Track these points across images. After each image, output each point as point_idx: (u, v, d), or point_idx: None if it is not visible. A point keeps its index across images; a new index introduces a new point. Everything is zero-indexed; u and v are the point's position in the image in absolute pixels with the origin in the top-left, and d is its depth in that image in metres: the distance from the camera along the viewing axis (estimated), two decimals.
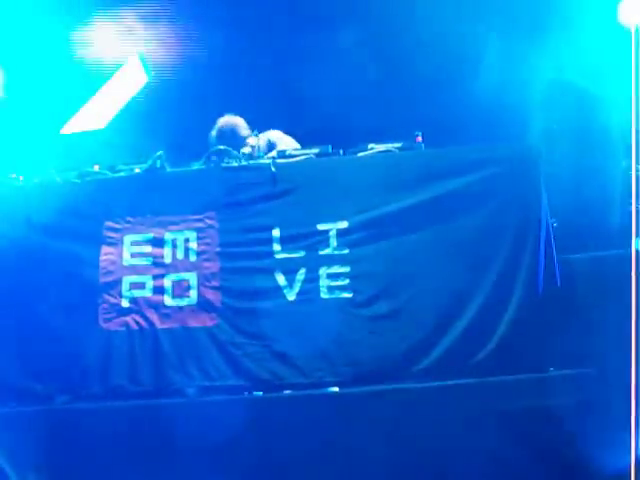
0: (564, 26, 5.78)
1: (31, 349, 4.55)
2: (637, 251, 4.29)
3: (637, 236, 4.50)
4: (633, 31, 4.72)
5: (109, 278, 4.58)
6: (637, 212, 4.50)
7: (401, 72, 6.46)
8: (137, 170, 4.73)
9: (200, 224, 4.56)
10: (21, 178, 4.88)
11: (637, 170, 4.58)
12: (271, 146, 5.21)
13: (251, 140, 5.18)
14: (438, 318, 4.37)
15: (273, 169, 4.55)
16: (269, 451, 4.34)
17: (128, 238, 4.61)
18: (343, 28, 6.46)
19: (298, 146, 5.09)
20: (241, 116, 5.27)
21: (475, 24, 6.33)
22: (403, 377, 4.34)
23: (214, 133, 5.17)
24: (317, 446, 4.26)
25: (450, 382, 4.28)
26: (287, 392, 4.43)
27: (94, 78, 6.97)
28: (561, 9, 5.90)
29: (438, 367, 4.31)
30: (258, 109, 5.65)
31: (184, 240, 4.56)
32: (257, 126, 5.26)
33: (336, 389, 4.37)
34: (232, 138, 5.07)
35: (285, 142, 5.26)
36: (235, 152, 4.79)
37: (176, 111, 6.71)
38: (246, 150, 5.03)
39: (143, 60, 6.84)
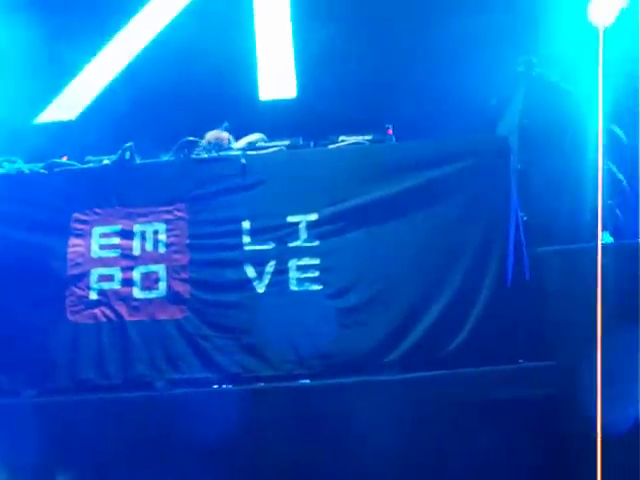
0: (538, 22, 5.83)
1: None
2: (604, 245, 4.32)
3: (604, 230, 4.53)
4: (601, 31, 4.77)
5: (77, 270, 4.53)
6: (604, 207, 4.54)
7: (375, 65, 6.47)
8: (106, 161, 4.68)
9: (169, 216, 4.54)
10: None
11: (604, 165, 4.61)
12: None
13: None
14: (408, 310, 4.38)
15: (243, 161, 4.54)
16: (238, 445, 4.31)
17: (96, 230, 4.57)
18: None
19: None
20: None
21: (449, 16, 6.37)
22: (373, 369, 4.35)
23: (202, 145, 5.13)
24: (286, 439, 4.25)
25: (420, 374, 4.29)
26: (258, 384, 4.40)
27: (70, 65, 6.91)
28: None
29: (408, 359, 4.33)
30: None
31: (153, 232, 4.53)
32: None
33: (307, 381, 4.35)
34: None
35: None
36: (204, 143, 4.77)
37: (147, 102, 6.66)
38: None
39: None
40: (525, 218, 4.67)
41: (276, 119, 6.12)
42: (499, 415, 4.19)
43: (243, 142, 5.12)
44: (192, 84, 6.41)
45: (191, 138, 4.76)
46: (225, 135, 5.16)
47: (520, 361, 4.31)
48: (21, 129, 6.55)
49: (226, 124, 5.10)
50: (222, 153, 4.69)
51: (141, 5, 7.05)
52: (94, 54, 7.01)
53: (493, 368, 4.28)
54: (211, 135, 5.13)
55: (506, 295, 4.39)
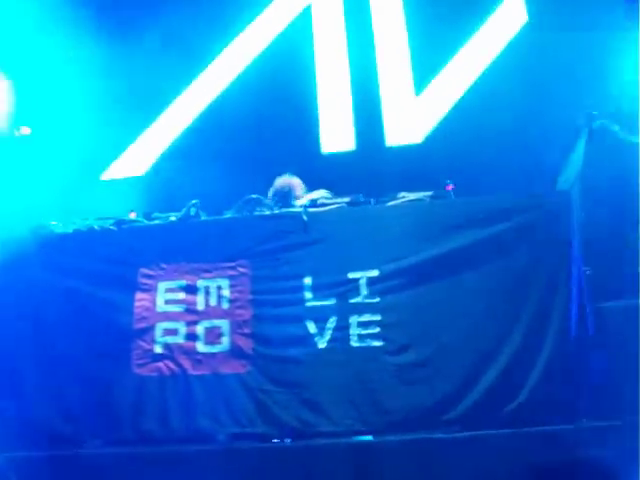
0: (598, 75, 5.84)
1: (65, 393, 4.60)
2: None
3: None
4: None
5: (143, 324, 4.64)
6: None
7: None
8: (172, 218, 4.82)
9: (232, 272, 4.63)
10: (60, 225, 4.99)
11: None
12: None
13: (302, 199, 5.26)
14: (469, 367, 4.36)
15: (305, 218, 4.61)
16: None
17: (162, 285, 4.68)
18: None
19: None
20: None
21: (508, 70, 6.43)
22: (433, 426, 4.31)
23: (271, 192, 5.29)
24: None
25: (480, 432, 4.24)
26: (317, 440, 4.41)
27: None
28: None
29: (468, 417, 4.30)
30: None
31: (217, 287, 4.62)
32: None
33: (369, 437, 4.34)
34: (288, 197, 5.19)
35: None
36: (267, 200, 4.89)
37: (211, 159, 6.84)
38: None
39: None
40: (588, 272, 4.63)
41: (337, 173, 6.23)
42: (562, 476, 4.11)
43: (307, 198, 5.23)
44: (257, 139, 6.56)
45: (254, 195, 4.87)
46: (296, 181, 5.32)
47: (584, 420, 4.23)
48: (90, 185, 6.81)
49: None
50: (284, 210, 4.78)
51: (205, 65, 7.30)
52: (159, 113, 7.27)
53: (555, 428, 4.21)
54: (281, 181, 5.31)
55: (569, 352, 4.34)
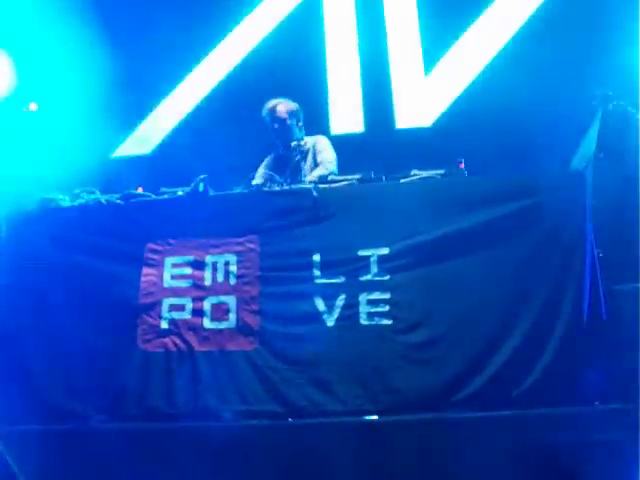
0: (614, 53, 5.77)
1: (70, 368, 4.56)
2: None
3: None
4: None
5: (149, 299, 4.59)
6: None
7: None
8: (180, 193, 4.76)
9: (241, 247, 4.56)
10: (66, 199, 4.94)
11: None
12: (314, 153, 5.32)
13: (305, 140, 5.34)
14: (479, 348, 4.29)
15: (315, 194, 4.54)
16: (304, 479, 4.28)
17: (169, 260, 4.62)
18: None
19: (334, 159, 5.20)
20: None
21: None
22: (443, 406, 4.26)
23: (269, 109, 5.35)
24: (352, 476, 4.19)
25: (490, 413, 4.19)
26: (324, 419, 4.36)
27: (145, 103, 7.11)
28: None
29: (479, 397, 4.23)
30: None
31: (224, 263, 4.56)
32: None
33: (375, 417, 4.29)
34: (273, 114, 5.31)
35: (326, 156, 5.34)
36: (277, 177, 4.83)
37: (219, 138, 6.79)
38: (294, 144, 5.18)
39: None
40: (601, 254, 4.56)
41: (346, 154, 6.17)
42: (572, 458, 4.05)
43: (310, 140, 5.22)
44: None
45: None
46: (283, 102, 5.40)
47: (596, 403, 4.17)
48: (99, 162, 6.77)
49: None
50: (294, 186, 4.71)
51: (213, 44, 7.25)
52: (167, 93, 7.22)
53: (566, 409, 4.16)
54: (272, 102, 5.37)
55: (581, 334, 4.27)
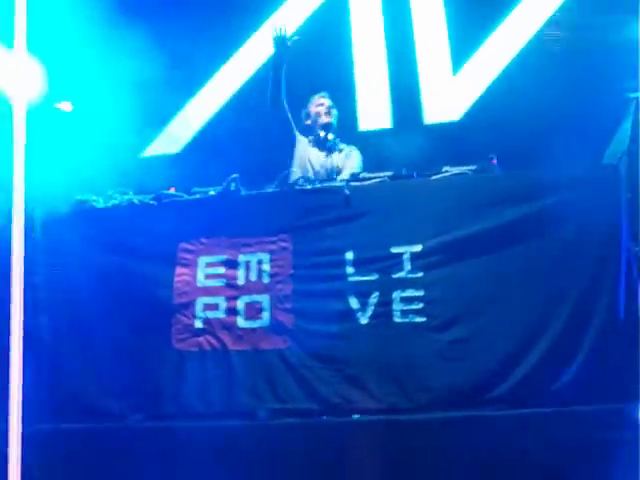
0: None
1: (106, 368, 4.60)
2: None
3: None
4: None
5: (183, 299, 4.61)
6: None
7: None
8: (212, 193, 4.78)
9: (273, 246, 4.57)
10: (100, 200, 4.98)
11: None
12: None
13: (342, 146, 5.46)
14: (513, 344, 4.27)
15: (347, 192, 4.54)
16: (339, 476, 4.29)
17: (202, 259, 4.64)
18: None
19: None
20: None
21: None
22: (477, 404, 4.25)
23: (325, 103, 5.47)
24: (385, 473, 4.20)
25: (526, 411, 4.18)
26: (357, 416, 4.37)
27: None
28: None
29: (514, 395, 4.21)
30: None
31: (257, 262, 4.58)
32: None
33: (410, 415, 4.27)
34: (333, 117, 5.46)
35: (352, 164, 5.39)
36: (309, 176, 4.84)
37: (246, 137, 6.80)
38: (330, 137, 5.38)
39: None
40: (637, 250, 4.51)
41: (374, 150, 6.16)
42: (606, 456, 4.03)
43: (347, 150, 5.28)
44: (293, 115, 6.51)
45: (294, 169, 4.83)
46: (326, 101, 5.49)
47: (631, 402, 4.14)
48: (130, 162, 6.82)
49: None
50: (326, 184, 4.72)
51: (241, 41, 7.26)
52: (197, 91, 7.25)
53: (601, 407, 4.13)
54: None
55: (617, 332, 4.22)
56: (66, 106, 6.18)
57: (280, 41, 5.30)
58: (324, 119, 5.47)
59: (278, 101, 5.35)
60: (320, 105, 5.53)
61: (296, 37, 5.36)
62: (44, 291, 4.81)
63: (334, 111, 5.51)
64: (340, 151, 5.43)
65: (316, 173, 5.28)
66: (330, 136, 5.40)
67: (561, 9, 6.63)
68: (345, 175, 5.07)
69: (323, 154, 5.40)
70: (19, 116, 3.69)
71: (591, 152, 5.25)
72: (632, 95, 4.90)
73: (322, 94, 5.59)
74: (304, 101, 5.67)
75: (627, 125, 4.94)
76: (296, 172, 5.30)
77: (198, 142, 7.20)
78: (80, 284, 4.76)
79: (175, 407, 4.52)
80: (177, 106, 7.28)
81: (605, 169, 4.59)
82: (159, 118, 7.20)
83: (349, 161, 5.40)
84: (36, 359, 4.61)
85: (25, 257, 3.81)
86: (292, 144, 5.46)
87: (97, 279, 4.74)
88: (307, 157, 5.39)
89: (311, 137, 5.52)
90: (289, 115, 5.44)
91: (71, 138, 6.14)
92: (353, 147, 5.53)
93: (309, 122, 5.55)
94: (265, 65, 7.07)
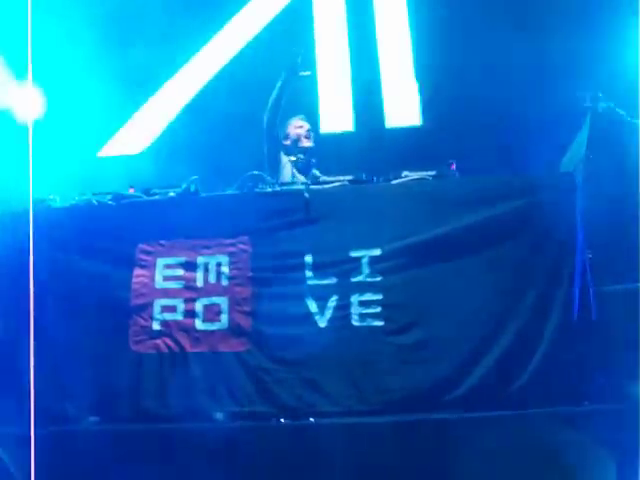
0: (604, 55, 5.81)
1: (62, 370, 4.54)
2: None
3: None
4: None
5: (141, 301, 4.58)
6: None
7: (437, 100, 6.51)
8: (171, 194, 4.75)
9: (232, 248, 4.56)
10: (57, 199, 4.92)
11: None
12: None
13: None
14: (470, 348, 4.32)
15: (306, 195, 4.55)
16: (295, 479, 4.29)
17: (161, 261, 4.61)
18: None
19: None
20: None
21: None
22: (434, 407, 4.28)
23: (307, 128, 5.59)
24: (343, 476, 4.21)
25: (481, 414, 4.22)
26: (314, 419, 4.37)
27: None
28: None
29: (469, 398, 4.26)
30: None
31: (216, 264, 4.56)
32: None
33: (366, 418, 4.30)
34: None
35: None
36: (269, 178, 4.84)
37: (210, 136, 6.78)
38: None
39: None
40: (590, 255, 4.59)
41: (335, 153, 6.19)
42: (561, 458, 4.09)
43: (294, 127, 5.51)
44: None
45: (255, 172, 4.82)
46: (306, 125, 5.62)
47: (585, 403, 4.21)
48: (87, 161, 6.75)
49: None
50: (285, 188, 4.72)
51: (202, 43, 7.23)
52: (156, 90, 7.20)
53: (556, 409, 4.19)
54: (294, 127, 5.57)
55: (571, 335, 4.30)
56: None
57: (293, 70, 5.36)
58: (304, 143, 5.58)
59: (274, 124, 5.43)
60: (299, 127, 5.64)
61: (308, 72, 5.36)
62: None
63: (312, 134, 5.64)
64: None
65: None
66: (313, 160, 5.41)
67: None
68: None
69: (302, 178, 5.44)
70: None
71: (548, 159, 5.36)
72: (588, 104, 4.99)
73: (301, 116, 5.72)
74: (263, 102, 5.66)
75: (583, 134, 5.03)
76: None
77: (157, 143, 7.15)
78: (35, 284, 4.69)
79: (132, 410, 4.47)
80: (136, 106, 7.22)
81: (562, 176, 4.67)
82: (117, 118, 7.14)
83: None
84: None
85: None
86: (278, 158, 5.51)
87: (53, 279, 4.68)
88: (288, 173, 5.48)
89: (292, 157, 5.58)
90: (279, 133, 5.54)
91: (28, 137, 6.06)
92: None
93: (288, 142, 5.65)
94: (226, 67, 7.09)
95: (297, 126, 5.69)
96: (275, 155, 5.54)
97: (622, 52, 5.75)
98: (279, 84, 5.43)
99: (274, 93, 5.44)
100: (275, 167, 5.51)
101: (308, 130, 5.68)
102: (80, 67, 6.76)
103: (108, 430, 4.44)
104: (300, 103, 5.95)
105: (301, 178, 5.45)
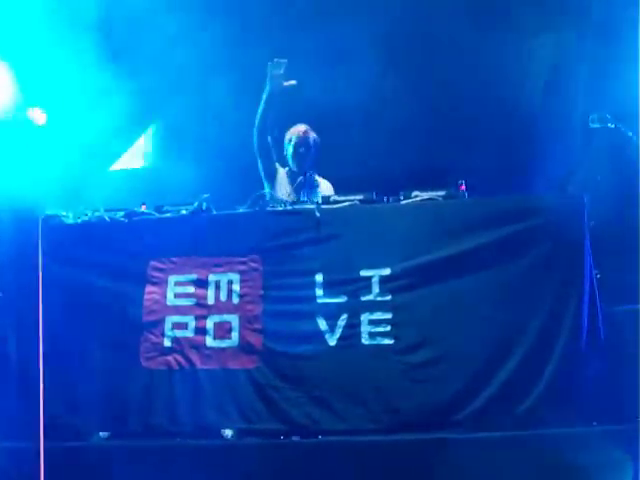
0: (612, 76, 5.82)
1: (73, 385, 4.58)
2: None
3: None
4: None
5: (152, 317, 4.62)
6: None
7: (445, 119, 6.53)
8: (183, 211, 4.79)
9: (244, 267, 4.60)
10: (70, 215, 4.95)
11: None
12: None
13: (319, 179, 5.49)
14: (479, 368, 4.35)
15: (318, 214, 4.59)
16: None
17: (172, 278, 4.66)
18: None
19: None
20: None
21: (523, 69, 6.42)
22: (442, 426, 4.31)
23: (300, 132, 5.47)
24: None
25: (490, 434, 4.24)
26: (322, 437, 4.39)
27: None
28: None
29: (478, 418, 4.29)
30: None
31: (227, 282, 4.60)
32: None
33: (376, 437, 4.31)
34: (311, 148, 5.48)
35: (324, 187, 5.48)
36: (280, 197, 4.87)
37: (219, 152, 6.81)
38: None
39: None
40: (599, 276, 4.62)
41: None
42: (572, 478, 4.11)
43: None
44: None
45: (265, 191, 4.86)
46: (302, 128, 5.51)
47: (594, 424, 4.23)
48: (97, 175, 6.79)
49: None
50: (297, 207, 4.75)
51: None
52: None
53: (565, 430, 4.21)
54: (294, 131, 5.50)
55: (580, 355, 4.33)
56: (39, 117, 6.12)
57: (276, 80, 5.27)
58: (295, 158, 5.49)
59: (264, 134, 5.38)
60: (291, 141, 5.54)
61: (293, 82, 5.31)
62: (11, 306, 4.78)
63: (310, 140, 5.50)
64: (317, 186, 5.49)
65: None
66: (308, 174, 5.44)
67: None
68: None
69: (294, 189, 5.46)
70: None
71: (557, 178, 5.40)
72: (596, 125, 5.03)
73: (298, 126, 5.58)
74: None
75: (591, 155, 5.08)
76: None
77: (166, 157, 7.20)
78: (47, 299, 4.71)
79: (142, 425, 4.51)
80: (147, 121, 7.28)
81: (571, 198, 4.70)
82: (128, 133, 7.19)
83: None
84: (3, 375, 4.60)
85: None
86: (272, 174, 5.50)
87: (65, 294, 4.72)
88: (285, 190, 5.45)
89: (287, 169, 5.57)
90: (271, 148, 5.48)
91: (40, 150, 6.10)
92: (325, 180, 5.59)
93: (285, 153, 5.59)
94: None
95: (289, 139, 5.55)
96: (268, 168, 5.49)
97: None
98: (264, 96, 5.35)
99: (260, 106, 5.36)
100: (271, 181, 5.48)
101: (302, 142, 5.50)
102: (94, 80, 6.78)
103: (118, 445, 4.47)
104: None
105: (290, 188, 5.41)
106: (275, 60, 5.23)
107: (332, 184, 5.59)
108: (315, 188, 5.45)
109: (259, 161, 5.49)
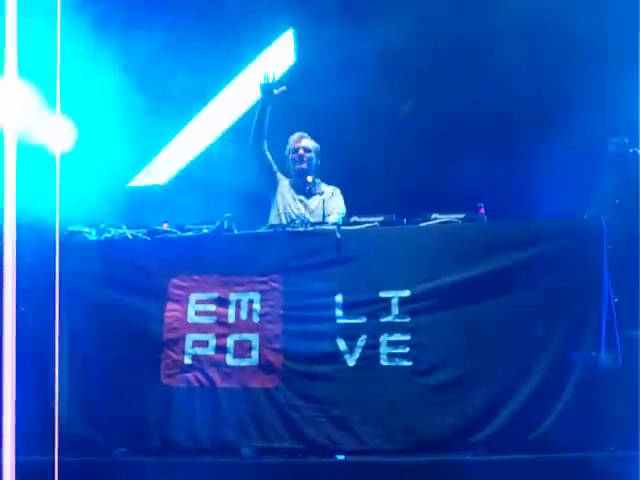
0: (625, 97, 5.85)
1: (93, 401, 4.64)
2: None
3: None
4: None
5: (173, 334, 4.67)
6: None
7: (463, 143, 6.58)
8: (205, 230, 4.85)
9: (264, 286, 4.65)
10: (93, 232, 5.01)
11: None
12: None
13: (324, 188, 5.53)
14: (497, 390, 4.38)
15: (338, 235, 4.63)
16: None
17: (193, 296, 4.70)
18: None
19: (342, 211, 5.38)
20: None
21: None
22: (459, 448, 4.34)
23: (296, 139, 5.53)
24: None
25: (506, 457, 4.26)
26: (341, 457, 4.43)
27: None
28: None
29: (496, 440, 4.31)
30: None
31: (248, 301, 4.65)
32: None
33: (393, 458, 4.34)
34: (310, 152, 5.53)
35: (336, 202, 5.49)
36: (302, 218, 4.93)
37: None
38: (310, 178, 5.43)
39: None
40: (617, 300, 4.64)
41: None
42: None
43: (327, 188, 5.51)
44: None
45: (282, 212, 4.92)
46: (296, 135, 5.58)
47: (611, 449, 4.25)
48: (117, 191, 6.86)
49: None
50: (318, 227, 4.80)
51: (228, 81, 7.33)
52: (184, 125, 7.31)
53: (582, 454, 4.23)
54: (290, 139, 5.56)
55: (598, 379, 4.36)
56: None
57: (267, 89, 5.37)
58: (297, 166, 5.53)
59: (260, 143, 5.43)
60: (293, 151, 5.57)
61: (284, 88, 5.40)
62: (32, 321, 4.82)
63: (310, 154, 5.54)
64: (321, 194, 5.49)
65: (290, 215, 5.36)
66: (309, 179, 5.46)
67: None
68: (333, 217, 5.16)
69: (301, 197, 5.50)
70: (10, 142, 3.68)
71: (574, 202, 5.41)
72: (613, 149, 5.06)
73: (299, 134, 5.62)
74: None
75: (609, 179, 5.10)
76: (275, 213, 5.44)
77: (186, 174, 7.27)
78: (69, 316, 4.76)
79: (161, 442, 4.55)
80: (166, 137, 7.34)
81: (590, 222, 4.74)
82: (147, 149, 7.26)
83: (332, 202, 5.48)
84: (24, 390, 4.63)
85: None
86: (273, 185, 5.55)
87: (86, 311, 4.76)
88: (287, 201, 5.49)
89: (291, 180, 5.61)
90: (269, 157, 5.53)
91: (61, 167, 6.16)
92: (335, 187, 5.61)
93: (288, 165, 5.64)
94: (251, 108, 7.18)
95: (290, 149, 5.58)
96: (267, 177, 5.53)
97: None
98: (258, 106, 5.42)
99: (255, 116, 5.42)
100: (272, 191, 5.53)
101: (304, 151, 5.51)
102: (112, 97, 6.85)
103: (137, 461, 4.51)
104: None
105: (293, 197, 5.46)
106: (265, 72, 5.37)
107: (341, 191, 5.60)
108: (320, 195, 5.47)
109: (257, 171, 5.55)
